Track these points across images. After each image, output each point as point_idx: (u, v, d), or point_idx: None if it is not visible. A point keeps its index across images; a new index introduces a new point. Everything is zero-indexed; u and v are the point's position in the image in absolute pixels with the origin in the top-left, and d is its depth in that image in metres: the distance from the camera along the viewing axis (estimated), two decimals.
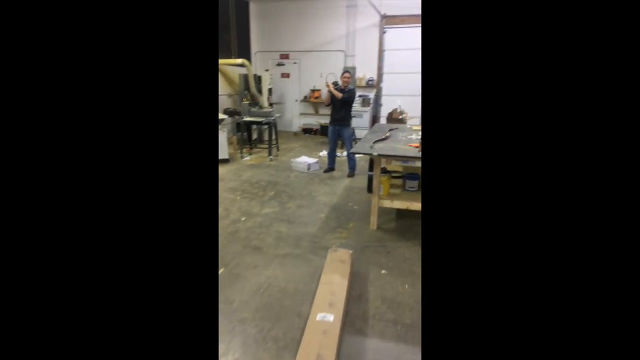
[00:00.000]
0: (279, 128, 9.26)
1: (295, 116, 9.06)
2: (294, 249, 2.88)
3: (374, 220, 3.26)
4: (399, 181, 3.88)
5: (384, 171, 3.43)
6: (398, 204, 3.21)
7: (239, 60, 6.64)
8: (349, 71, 4.77)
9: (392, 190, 3.48)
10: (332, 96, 4.90)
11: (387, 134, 3.73)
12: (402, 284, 2.40)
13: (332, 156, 5.25)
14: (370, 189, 3.13)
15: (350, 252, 2.49)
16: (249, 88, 5.99)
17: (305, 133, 8.70)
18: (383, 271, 2.55)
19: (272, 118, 5.91)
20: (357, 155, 5.24)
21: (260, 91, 7.64)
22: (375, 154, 2.93)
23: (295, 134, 8.75)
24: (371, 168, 3.13)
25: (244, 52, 8.33)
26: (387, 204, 3.22)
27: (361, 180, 4.82)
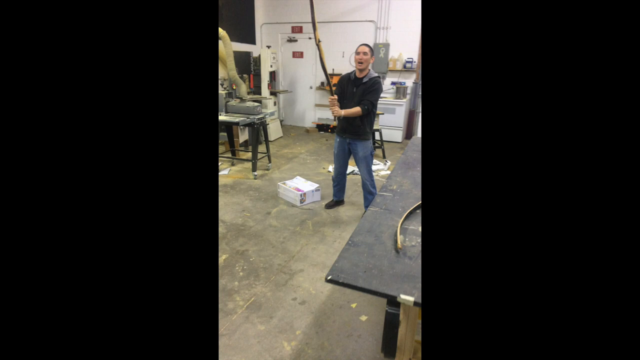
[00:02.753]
0: (288, 122, 7.37)
1: (309, 108, 7.12)
2: None
3: None
4: None
5: None
6: None
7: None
8: (367, 45, 2.73)
9: None
10: (337, 90, 2.92)
11: None
12: None
13: (341, 183, 3.30)
14: (389, 350, 1.19)
15: None
16: (228, 70, 4.09)
17: (320, 130, 6.77)
18: None
19: (258, 116, 4.00)
20: (376, 178, 3.33)
21: (258, 74, 5.76)
22: (409, 298, 0.94)
23: (308, 130, 6.83)
24: (394, 301, 1.15)
25: (246, 24, 6.43)
26: None
27: None
